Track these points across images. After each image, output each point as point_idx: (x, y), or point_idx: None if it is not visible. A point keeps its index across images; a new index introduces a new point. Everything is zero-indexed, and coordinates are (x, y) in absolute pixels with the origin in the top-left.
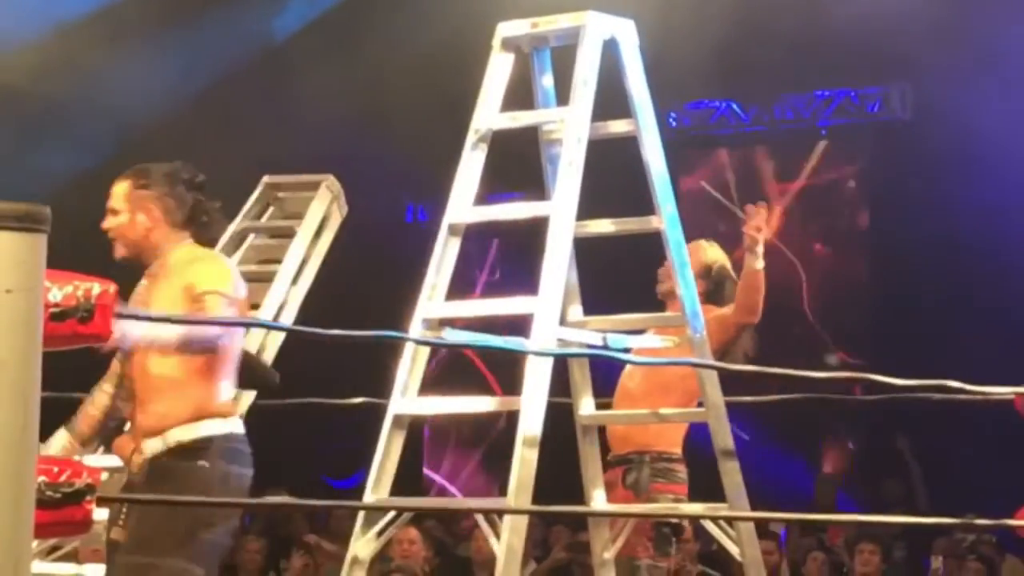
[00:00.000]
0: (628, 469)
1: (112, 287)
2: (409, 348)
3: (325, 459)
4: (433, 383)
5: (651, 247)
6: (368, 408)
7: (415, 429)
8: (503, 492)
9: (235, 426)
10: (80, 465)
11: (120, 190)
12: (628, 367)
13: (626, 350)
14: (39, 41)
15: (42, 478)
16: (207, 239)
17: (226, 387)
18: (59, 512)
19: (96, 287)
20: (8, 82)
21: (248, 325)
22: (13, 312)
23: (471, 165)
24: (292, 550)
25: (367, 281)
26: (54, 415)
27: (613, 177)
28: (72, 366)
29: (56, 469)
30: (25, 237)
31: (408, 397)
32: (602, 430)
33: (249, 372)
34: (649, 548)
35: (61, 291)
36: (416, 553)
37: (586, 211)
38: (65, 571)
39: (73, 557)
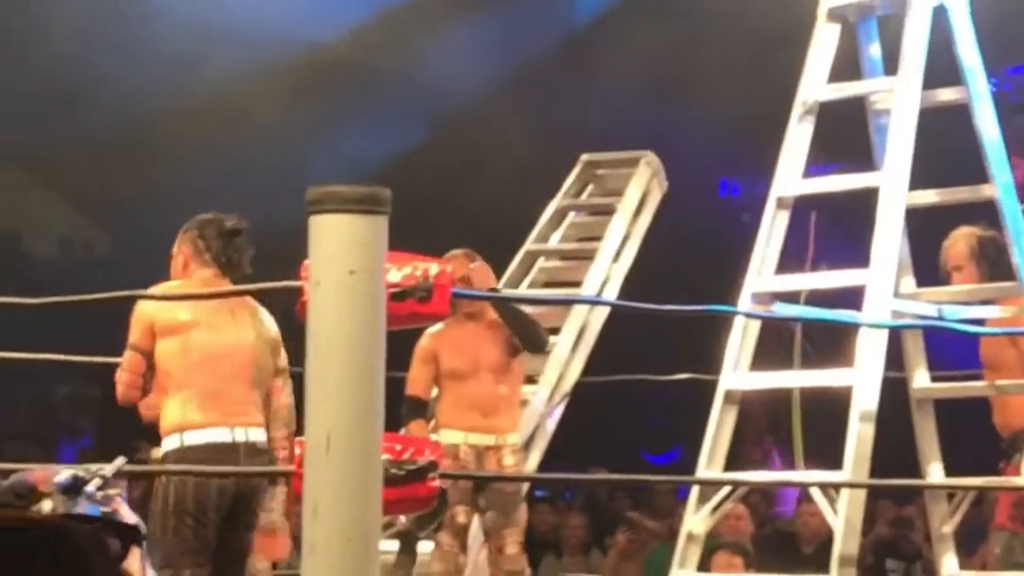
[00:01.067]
0: (1015, 450)
1: (450, 267)
2: (739, 323)
3: (642, 435)
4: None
5: (985, 217)
6: (684, 384)
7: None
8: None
9: (189, 438)
10: (423, 442)
11: None
12: (986, 340)
13: (978, 322)
14: (360, 26)
15: (386, 456)
16: (234, 275)
17: (190, 400)
18: (404, 489)
19: (434, 267)
20: (332, 65)
21: (575, 302)
22: (356, 293)
23: (798, 137)
24: (615, 526)
25: (681, 257)
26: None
27: (936, 146)
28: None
29: (399, 447)
30: (367, 219)
31: (739, 372)
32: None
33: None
34: None
35: (400, 272)
36: (744, 529)
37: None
38: (395, 547)
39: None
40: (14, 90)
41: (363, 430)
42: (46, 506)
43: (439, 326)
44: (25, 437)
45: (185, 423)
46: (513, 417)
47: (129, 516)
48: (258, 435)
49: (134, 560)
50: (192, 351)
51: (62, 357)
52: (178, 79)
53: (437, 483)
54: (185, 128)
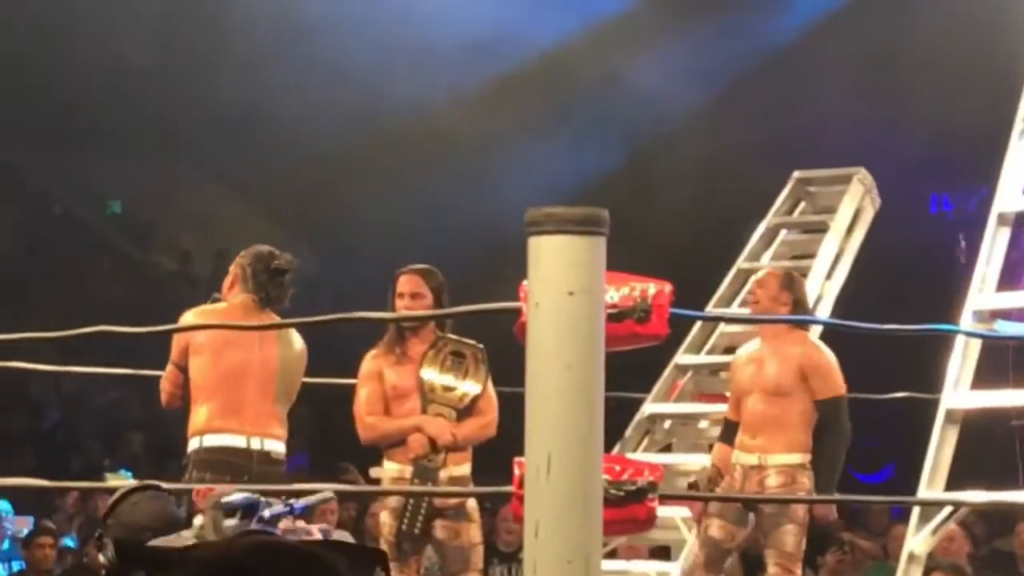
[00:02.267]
0: None
1: (668, 287)
2: (960, 341)
3: (852, 453)
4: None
5: None
6: (896, 402)
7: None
8: None
9: (208, 441)
10: (641, 463)
11: None
12: None
13: None
14: (564, 39)
15: (605, 476)
16: (270, 306)
17: (213, 409)
18: (623, 510)
19: (652, 287)
20: (534, 80)
21: (789, 321)
22: (576, 314)
23: (1019, 153)
24: (826, 546)
25: (894, 274)
26: (613, 415)
27: None
28: (629, 365)
29: (618, 468)
30: (586, 240)
31: (960, 390)
32: None
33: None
34: None
35: (618, 292)
36: (958, 550)
37: None
38: (613, 567)
39: (613, 554)
40: (227, 118)
41: (583, 451)
42: (196, 520)
43: (755, 344)
44: None
45: (207, 428)
46: (785, 439)
47: (315, 535)
48: (273, 446)
49: None
50: (218, 367)
51: None
52: (373, 101)
53: (655, 504)
54: (384, 149)
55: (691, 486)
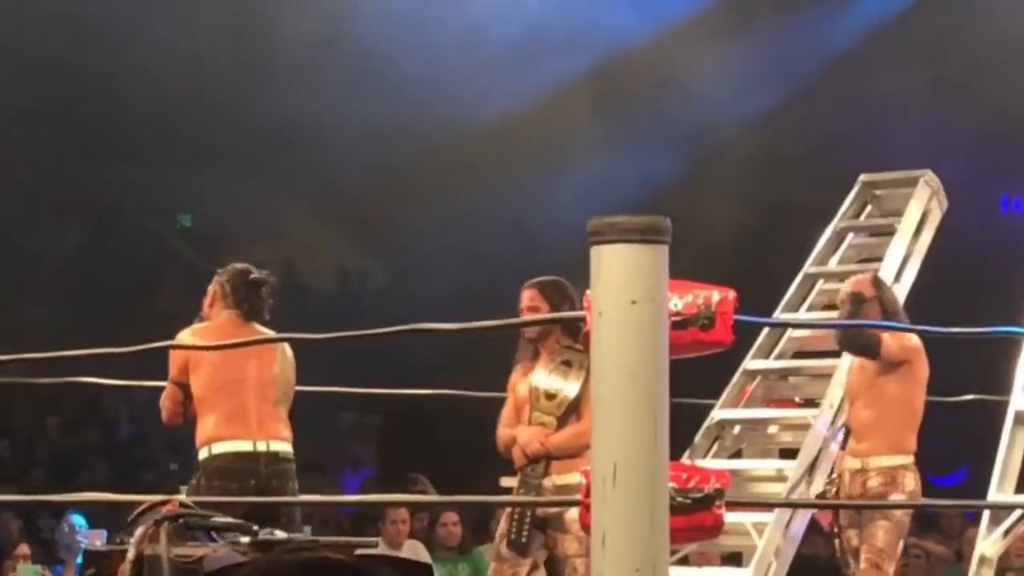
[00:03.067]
0: None
1: (731, 294)
2: None
3: (924, 456)
4: None
5: None
6: (967, 404)
7: None
8: None
9: (216, 448)
10: (707, 470)
11: None
12: None
13: None
14: (621, 43)
15: (672, 484)
16: (253, 318)
17: (218, 418)
18: (690, 517)
19: (715, 295)
20: (592, 85)
21: (858, 326)
22: (639, 322)
23: None
24: None
25: (962, 274)
26: (682, 422)
27: None
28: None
29: (684, 475)
30: (648, 249)
31: None
32: None
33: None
34: None
35: (682, 300)
36: None
37: None
38: (685, 575)
39: (684, 561)
40: (292, 131)
41: (648, 459)
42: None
43: None
44: (308, 468)
45: (214, 437)
46: (888, 442)
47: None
48: (280, 446)
49: None
50: (219, 377)
51: (342, 389)
52: (433, 110)
53: (723, 511)
54: (445, 156)
55: (819, 496)
